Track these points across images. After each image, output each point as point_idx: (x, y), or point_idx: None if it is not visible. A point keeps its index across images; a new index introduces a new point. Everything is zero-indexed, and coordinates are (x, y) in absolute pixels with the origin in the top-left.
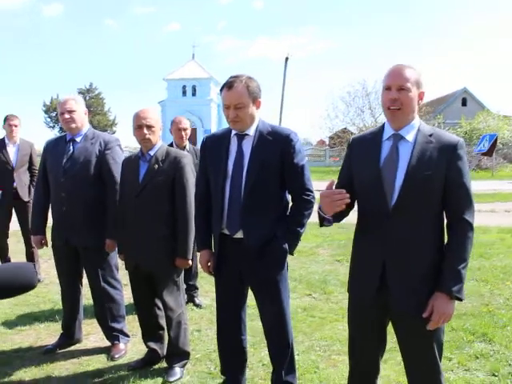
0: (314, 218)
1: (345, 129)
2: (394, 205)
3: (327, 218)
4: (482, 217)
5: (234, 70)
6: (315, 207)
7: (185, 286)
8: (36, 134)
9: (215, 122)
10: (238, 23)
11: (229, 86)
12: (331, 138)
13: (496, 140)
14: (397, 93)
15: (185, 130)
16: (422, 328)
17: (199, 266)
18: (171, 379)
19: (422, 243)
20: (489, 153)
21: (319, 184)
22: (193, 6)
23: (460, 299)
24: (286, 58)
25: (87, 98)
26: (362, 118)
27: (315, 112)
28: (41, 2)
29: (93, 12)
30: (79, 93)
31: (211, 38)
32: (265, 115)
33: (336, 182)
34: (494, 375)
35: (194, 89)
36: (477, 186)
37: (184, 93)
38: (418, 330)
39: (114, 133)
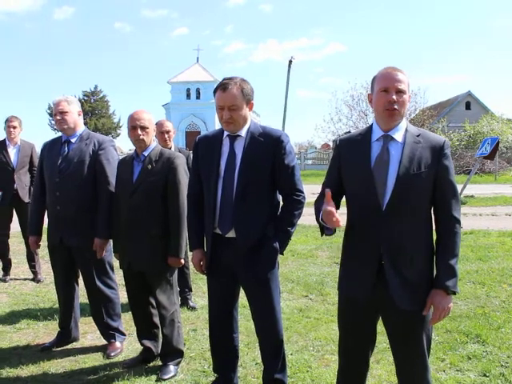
0: (314, 220)
1: (348, 132)
2: (387, 204)
3: (328, 228)
4: (482, 220)
5: (240, 73)
6: (309, 210)
7: (178, 289)
8: (42, 136)
9: (219, 124)
10: (245, 27)
11: (223, 87)
12: (334, 141)
13: (498, 143)
14: (395, 95)
15: (167, 132)
16: (415, 323)
17: (191, 266)
18: (165, 377)
19: (415, 240)
20: (490, 156)
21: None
22: (201, 10)
23: (455, 293)
24: (290, 61)
25: (92, 100)
26: (365, 122)
27: (320, 115)
28: (52, 5)
29: (103, 15)
30: (84, 95)
31: (219, 41)
32: (271, 119)
33: (326, 181)
34: (485, 375)
35: (198, 92)
36: (479, 189)
37: (188, 96)
38: (411, 324)
39: (118, 136)
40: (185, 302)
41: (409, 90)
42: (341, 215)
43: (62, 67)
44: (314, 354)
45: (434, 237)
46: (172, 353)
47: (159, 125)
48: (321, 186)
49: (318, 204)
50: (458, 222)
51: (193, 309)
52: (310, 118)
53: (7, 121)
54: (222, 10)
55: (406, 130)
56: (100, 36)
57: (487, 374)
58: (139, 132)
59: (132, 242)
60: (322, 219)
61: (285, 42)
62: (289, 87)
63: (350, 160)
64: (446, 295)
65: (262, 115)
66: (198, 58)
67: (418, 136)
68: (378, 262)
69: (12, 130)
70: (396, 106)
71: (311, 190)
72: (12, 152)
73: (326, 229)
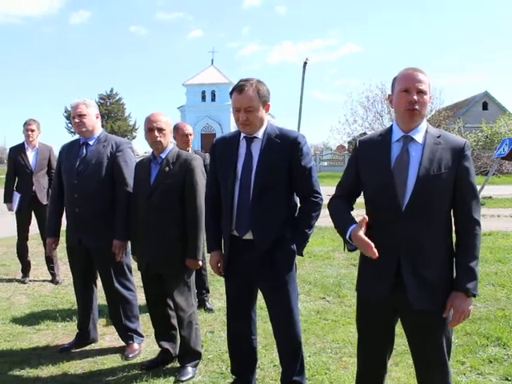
0: (330, 222)
1: (364, 133)
2: (407, 205)
3: (353, 245)
4: (501, 221)
5: (255, 76)
6: (326, 212)
7: (196, 291)
8: (59, 140)
9: (234, 126)
10: (260, 29)
11: (239, 89)
12: (350, 142)
13: None
14: (416, 95)
15: (190, 135)
16: (434, 325)
17: (209, 267)
18: (183, 378)
19: (434, 241)
20: (508, 157)
21: None
22: (216, 12)
23: (475, 295)
24: (305, 63)
25: (108, 103)
26: (381, 123)
27: (336, 117)
28: (69, 10)
29: (119, 19)
30: (100, 98)
31: (234, 44)
32: (286, 120)
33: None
34: (507, 379)
35: (213, 94)
36: (497, 190)
37: (203, 98)
38: (430, 326)
39: (134, 138)
40: (202, 304)
41: (430, 91)
42: (357, 216)
43: (78, 71)
44: (332, 356)
45: (453, 238)
46: (190, 354)
47: (182, 127)
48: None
49: (337, 211)
50: (478, 223)
51: (210, 311)
52: (325, 119)
53: (26, 124)
54: (238, 12)
55: (427, 131)
56: (116, 39)
57: (509, 378)
58: (156, 134)
59: (150, 244)
60: (349, 237)
61: (299, 43)
62: (304, 89)
63: (370, 161)
64: (467, 298)
65: (277, 117)
66: (212, 60)
67: (438, 137)
68: (396, 263)
69: (30, 133)
70: (417, 107)
71: (327, 191)
72: (30, 155)
73: (348, 244)
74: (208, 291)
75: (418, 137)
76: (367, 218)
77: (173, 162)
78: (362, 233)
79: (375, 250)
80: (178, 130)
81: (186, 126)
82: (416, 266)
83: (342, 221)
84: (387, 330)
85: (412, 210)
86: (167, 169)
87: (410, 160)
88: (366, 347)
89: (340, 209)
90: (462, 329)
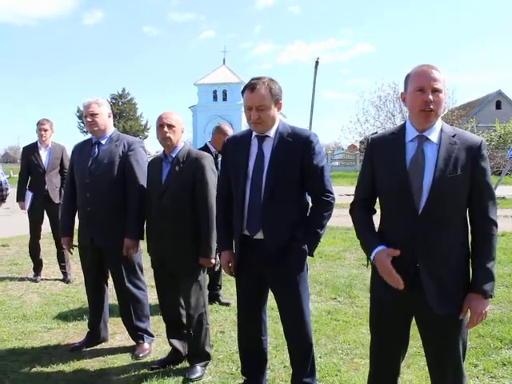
0: (341, 222)
1: (375, 133)
2: (424, 206)
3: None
4: None
5: (268, 75)
6: (342, 212)
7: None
8: (72, 139)
9: (246, 126)
10: (273, 29)
11: (251, 87)
12: (362, 142)
13: None
14: (432, 94)
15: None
16: (451, 326)
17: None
18: (192, 377)
19: (451, 242)
20: None
21: (350, 189)
22: (229, 12)
23: (491, 297)
24: (316, 62)
25: (120, 103)
26: (393, 122)
27: (347, 116)
28: (83, 10)
29: (132, 19)
30: (112, 98)
31: (246, 44)
32: (298, 120)
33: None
34: None
35: (224, 94)
36: (511, 191)
37: (215, 98)
38: (447, 328)
39: (145, 138)
40: (216, 299)
41: (444, 88)
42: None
43: (90, 71)
44: (343, 358)
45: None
46: (198, 355)
47: (228, 131)
48: (348, 187)
49: (362, 228)
50: (495, 224)
51: (226, 305)
52: (336, 119)
53: (39, 124)
54: (250, 12)
55: (441, 130)
56: (128, 40)
57: None
58: (166, 129)
59: (162, 243)
60: (374, 259)
61: (312, 43)
62: (315, 88)
63: (384, 161)
64: (484, 299)
65: (289, 116)
66: (224, 60)
67: (453, 136)
68: (413, 265)
69: (43, 132)
70: (432, 106)
71: (338, 191)
72: (43, 154)
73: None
74: (220, 287)
75: (433, 136)
76: (398, 252)
77: (183, 161)
78: (388, 261)
79: (401, 281)
80: (225, 133)
81: (226, 126)
82: (434, 269)
83: (367, 241)
84: (403, 332)
85: (429, 213)
86: (177, 168)
87: (426, 161)
88: (379, 349)
89: (364, 225)
90: (474, 331)
